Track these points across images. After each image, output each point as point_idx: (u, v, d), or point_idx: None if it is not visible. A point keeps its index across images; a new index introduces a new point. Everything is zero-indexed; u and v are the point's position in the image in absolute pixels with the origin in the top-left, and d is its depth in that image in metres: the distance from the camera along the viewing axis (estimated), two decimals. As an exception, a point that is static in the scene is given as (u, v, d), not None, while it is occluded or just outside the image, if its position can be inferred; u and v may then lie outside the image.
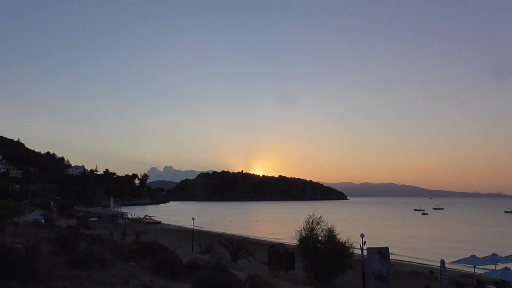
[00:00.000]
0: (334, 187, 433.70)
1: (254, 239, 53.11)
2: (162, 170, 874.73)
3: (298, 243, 21.63)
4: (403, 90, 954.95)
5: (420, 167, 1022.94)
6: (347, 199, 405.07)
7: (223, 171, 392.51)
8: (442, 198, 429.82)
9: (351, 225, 69.61)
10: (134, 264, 11.08)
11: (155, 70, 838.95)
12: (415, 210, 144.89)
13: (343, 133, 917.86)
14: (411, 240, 55.59)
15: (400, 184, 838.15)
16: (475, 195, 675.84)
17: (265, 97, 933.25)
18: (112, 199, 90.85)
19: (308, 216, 21.86)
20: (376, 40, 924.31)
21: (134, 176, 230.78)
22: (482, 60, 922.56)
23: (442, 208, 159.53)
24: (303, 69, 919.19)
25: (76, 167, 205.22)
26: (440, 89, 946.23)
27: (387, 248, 19.02)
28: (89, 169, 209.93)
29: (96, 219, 65.86)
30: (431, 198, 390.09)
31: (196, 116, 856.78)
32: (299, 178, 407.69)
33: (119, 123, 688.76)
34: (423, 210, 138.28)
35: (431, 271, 29.49)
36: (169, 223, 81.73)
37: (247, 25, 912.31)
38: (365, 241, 19.41)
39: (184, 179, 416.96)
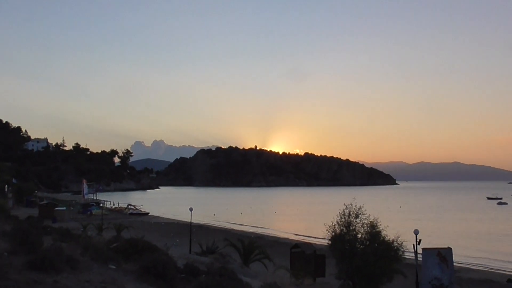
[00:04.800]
0: (379, 168, 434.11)
1: (272, 237, 53.95)
2: (150, 145, 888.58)
3: (330, 242, 21.86)
4: (474, 46, 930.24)
5: (496, 141, 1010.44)
6: (396, 184, 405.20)
7: (230, 147, 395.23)
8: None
9: (402, 219, 69.80)
10: (114, 267, 11.32)
11: (143, 17, 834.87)
12: (489, 198, 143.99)
13: (390, 99, 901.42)
14: (483, 238, 55.57)
15: (468, 163, 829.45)
16: None
17: (287, 51, 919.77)
18: (85, 182, 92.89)
19: (344, 207, 22.01)
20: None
21: (114, 153, 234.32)
22: None
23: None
24: (338, 19, 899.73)
25: (37, 140, 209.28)
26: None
27: (449, 249, 19.06)
28: (54, 143, 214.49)
29: (64, 208, 67.46)
30: (511, 183, 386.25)
31: (195, 76, 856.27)
32: (332, 157, 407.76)
33: (93, 84, 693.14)
34: (500, 198, 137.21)
35: (510, 279, 29.51)
36: (160, 214, 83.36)
37: None
38: (420, 240, 19.45)
39: (179, 157, 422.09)
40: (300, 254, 25.87)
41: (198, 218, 70.61)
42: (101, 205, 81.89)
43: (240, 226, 68.46)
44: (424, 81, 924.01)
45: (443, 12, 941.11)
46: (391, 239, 20.69)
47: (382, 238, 20.71)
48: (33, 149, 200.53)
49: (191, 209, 42.76)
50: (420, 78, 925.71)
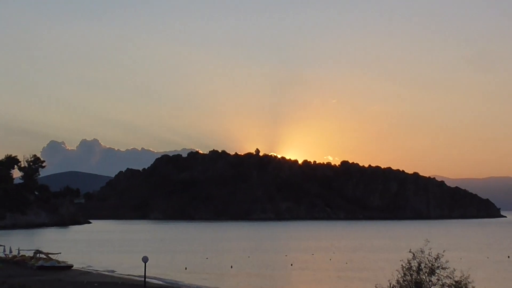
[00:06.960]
0: (471, 189, 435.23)
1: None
2: (75, 148, 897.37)
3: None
4: None
5: None
6: (502, 216, 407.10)
7: (214, 153, 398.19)
8: None
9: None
10: None
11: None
12: None
13: (485, 82, 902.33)
14: None
15: None
16: None
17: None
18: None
19: (411, 256, 22.80)
20: None
21: (12, 161, 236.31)
22: None
23: None
24: None
25: None
26: None
27: None
28: None
29: None
30: None
31: (154, 35, 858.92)
32: (389, 169, 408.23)
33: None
34: None
35: None
36: (92, 269, 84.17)
37: None
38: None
39: (125, 169, 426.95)
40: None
41: (158, 273, 70.28)
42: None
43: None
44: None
45: None
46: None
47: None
48: None
49: (145, 259, 42.69)
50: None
